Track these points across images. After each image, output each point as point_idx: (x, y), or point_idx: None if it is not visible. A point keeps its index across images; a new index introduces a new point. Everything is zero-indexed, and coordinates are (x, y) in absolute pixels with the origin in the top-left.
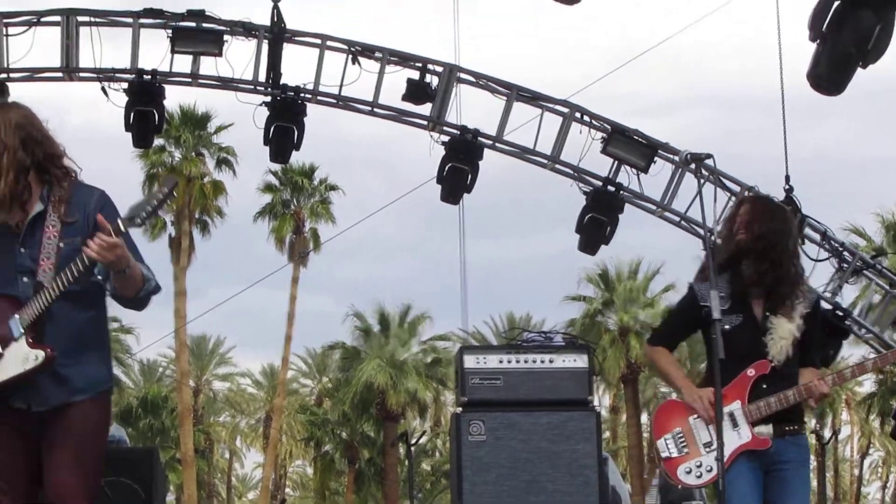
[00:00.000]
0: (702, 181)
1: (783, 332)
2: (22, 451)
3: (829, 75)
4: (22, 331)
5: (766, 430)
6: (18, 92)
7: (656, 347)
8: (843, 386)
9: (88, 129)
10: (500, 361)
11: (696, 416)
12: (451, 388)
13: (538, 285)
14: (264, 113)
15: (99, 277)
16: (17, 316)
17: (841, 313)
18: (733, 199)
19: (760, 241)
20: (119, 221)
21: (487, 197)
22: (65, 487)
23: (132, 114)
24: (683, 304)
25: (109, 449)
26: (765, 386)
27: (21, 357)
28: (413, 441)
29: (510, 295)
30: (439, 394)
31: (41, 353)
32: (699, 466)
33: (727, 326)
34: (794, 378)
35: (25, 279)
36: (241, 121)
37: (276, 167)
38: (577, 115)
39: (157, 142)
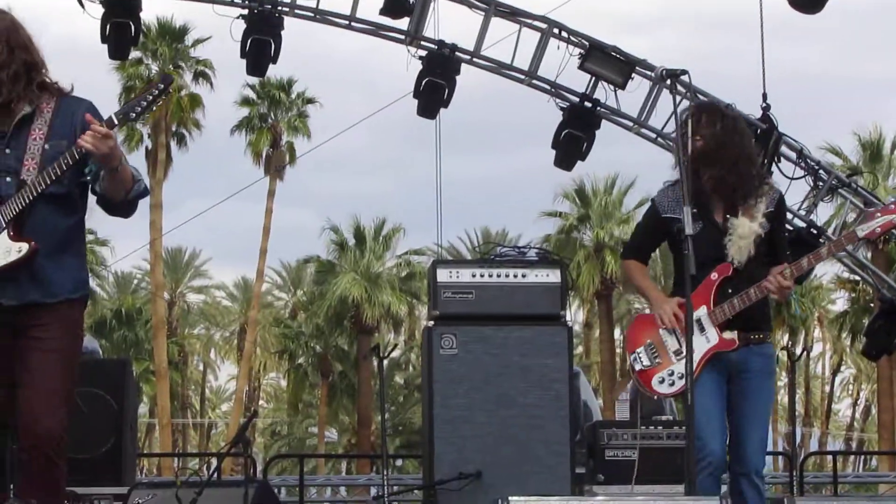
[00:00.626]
0: (677, 98)
1: (743, 232)
2: None
3: None
4: (3, 224)
5: (731, 335)
6: None
7: (629, 260)
8: (816, 302)
9: (67, 40)
10: (473, 275)
11: (665, 328)
12: (425, 302)
13: (514, 201)
14: (241, 26)
15: (88, 178)
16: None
17: (815, 231)
18: None
19: (710, 143)
20: (113, 116)
21: (464, 112)
22: (44, 393)
23: (108, 25)
24: (647, 217)
25: (82, 360)
26: (730, 290)
27: (2, 249)
28: (385, 354)
29: (486, 211)
30: (413, 308)
31: (24, 246)
32: (671, 375)
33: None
34: (760, 279)
35: (8, 179)
36: (219, 34)
37: (254, 81)
38: (556, 30)
39: (135, 54)
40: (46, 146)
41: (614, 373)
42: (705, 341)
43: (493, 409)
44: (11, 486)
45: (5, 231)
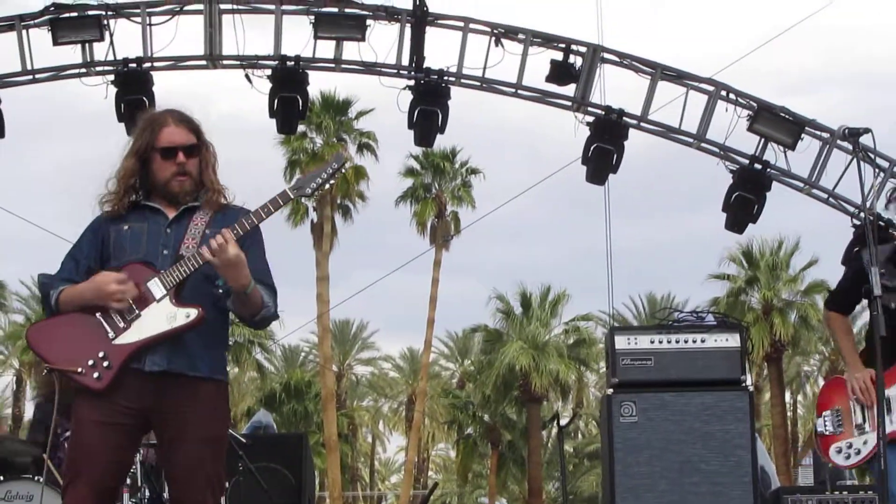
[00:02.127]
0: (859, 158)
1: None
2: (112, 435)
3: None
4: (165, 292)
5: None
6: (163, 81)
7: (831, 312)
8: None
9: (234, 117)
10: (652, 342)
11: (856, 396)
12: (593, 368)
13: (679, 266)
14: (408, 97)
15: (220, 291)
16: (156, 279)
17: None
18: (882, 175)
19: None
20: (287, 190)
21: (627, 176)
22: (185, 488)
23: (276, 100)
24: (852, 271)
25: (259, 435)
26: None
27: (167, 315)
28: (565, 424)
29: (650, 276)
30: (581, 375)
31: (193, 312)
32: (849, 447)
33: (892, 305)
34: None
35: (165, 252)
36: (382, 105)
37: (418, 151)
38: (723, 92)
39: (299, 128)
40: (207, 231)
41: (786, 437)
42: (889, 423)
43: (675, 477)
44: None
45: (167, 297)
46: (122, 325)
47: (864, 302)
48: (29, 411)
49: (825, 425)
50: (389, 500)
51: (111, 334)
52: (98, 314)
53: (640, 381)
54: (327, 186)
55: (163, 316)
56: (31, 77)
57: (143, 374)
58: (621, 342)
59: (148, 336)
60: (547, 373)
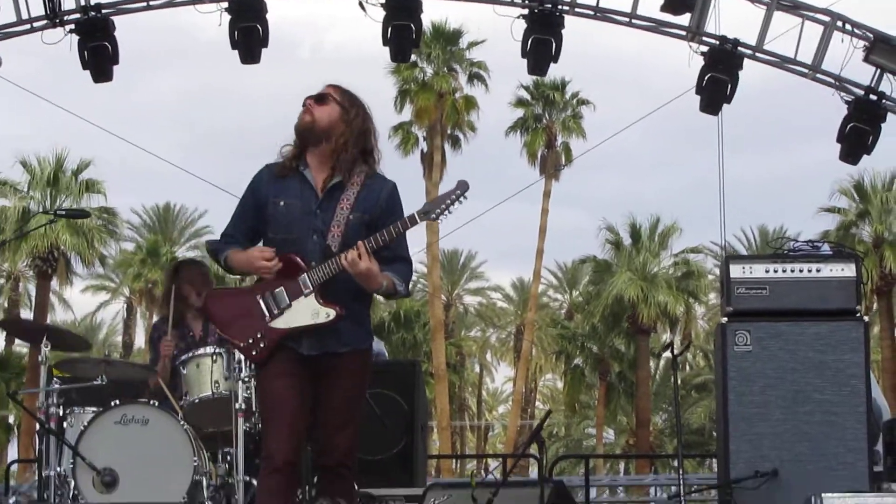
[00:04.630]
0: None
1: None
2: (295, 385)
3: None
4: (311, 288)
5: None
6: (280, 9)
7: None
8: None
9: (349, 46)
10: (767, 271)
11: None
12: (702, 301)
13: (791, 199)
14: (521, 26)
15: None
16: (306, 275)
17: None
18: None
19: None
20: (415, 214)
21: (743, 108)
22: (339, 423)
23: (390, 28)
24: None
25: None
26: None
27: (311, 311)
28: (678, 352)
29: (762, 209)
30: (690, 307)
31: (332, 312)
32: None
33: None
34: None
35: (315, 237)
36: (493, 35)
37: (528, 82)
38: (839, 23)
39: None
40: (351, 216)
41: (895, 370)
42: None
43: (789, 406)
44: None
45: (313, 294)
46: (276, 311)
47: None
48: (140, 339)
49: None
50: (497, 430)
51: (267, 317)
52: (258, 296)
53: (754, 309)
54: (451, 211)
55: (308, 311)
56: (145, 4)
57: (299, 354)
58: (736, 271)
59: (294, 326)
60: (655, 304)
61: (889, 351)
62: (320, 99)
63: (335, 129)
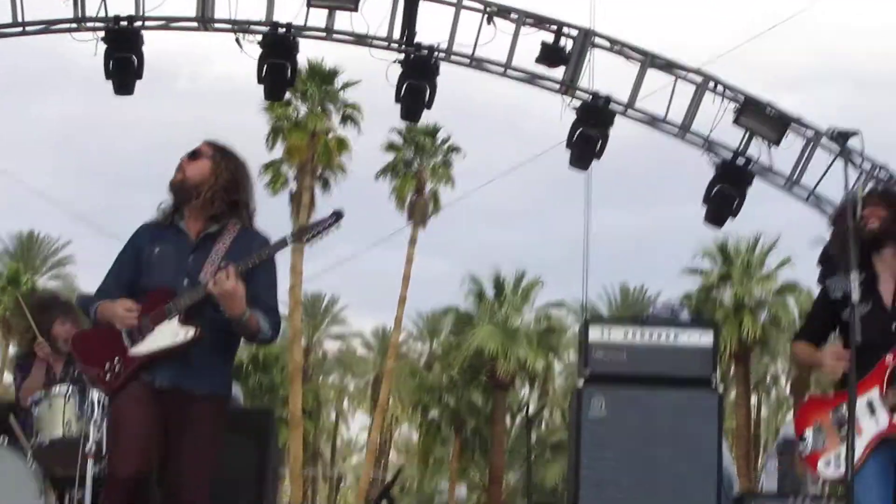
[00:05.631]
0: (847, 160)
1: None
2: (146, 412)
3: None
4: (176, 312)
5: None
6: (161, 40)
7: (797, 343)
8: None
9: (227, 80)
10: (626, 335)
11: (834, 408)
12: (562, 357)
13: (655, 257)
14: (397, 71)
15: (224, 315)
16: (171, 301)
17: None
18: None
19: (884, 226)
20: (287, 237)
21: (611, 164)
22: (185, 480)
23: (265, 66)
24: (817, 304)
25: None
26: None
27: (172, 332)
28: (532, 415)
29: (625, 266)
30: (550, 363)
31: (192, 330)
32: (838, 457)
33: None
34: None
35: (186, 280)
36: (369, 78)
37: (400, 126)
38: (711, 84)
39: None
40: (223, 263)
41: (749, 437)
42: (874, 424)
43: (641, 475)
44: None
45: (176, 317)
46: (138, 338)
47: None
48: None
49: (808, 445)
50: (349, 481)
51: (128, 345)
52: (122, 329)
53: (612, 374)
54: (323, 238)
55: (169, 332)
56: (21, 29)
57: (152, 388)
58: (595, 334)
59: (154, 349)
60: (515, 359)
61: (744, 419)
62: (193, 155)
63: (205, 183)
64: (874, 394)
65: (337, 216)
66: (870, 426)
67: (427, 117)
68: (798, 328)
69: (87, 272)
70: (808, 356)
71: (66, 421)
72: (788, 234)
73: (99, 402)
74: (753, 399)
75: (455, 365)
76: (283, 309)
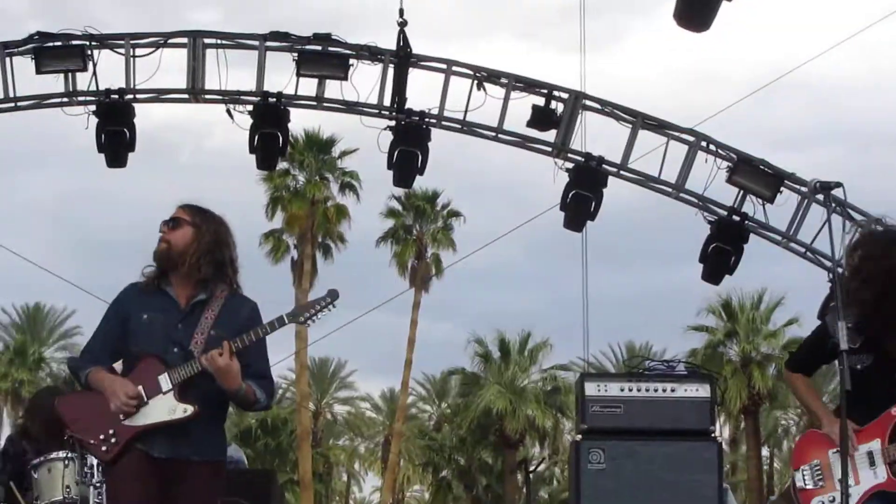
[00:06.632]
0: (830, 211)
1: None
2: (145, 490)
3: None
4: (171, 387)
5: None
6: (161, 114)
7: (793, 373)
8: None
9: (224, 150)
10: (622, 389)
11: (835, 449)
12: (570, 416)
13: (659, 315)
14: (389, 137)
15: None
16: (166, 374)
17: None
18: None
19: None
20: (284, 316)
21: (609, 225)
22: None
23: (257, 136)
24: (815, 335)
25: (229, 470)
26: None
27: (168, 408)
28: (532, 468)
29: (630, 325)
30: (558, 422)
31: (190, 408)
32: (832, 501)
33: (858, 366)
34: None
35: (175, 350)
36: (366, 145)
37: (400, 192)
38: (703, 143)
39: (282, 165)
40: (212, 332)
41: (762, 490)
42: (873, 476)
43: None
44: None
45: (172, 392)
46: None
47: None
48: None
49: (804, 480)
50: None
51: (122, 415)
52: None
53: (608, 427)
54: (320, 317)
55: (165, 408)
56: (13, 105)
57: (149, 458)
58: (591, 389)
59: (149, 423)
60: (524, 417)
61: (755, 471)
62: (173, 223)
63: (189, 249)
64: (875, 445)
65: (332, 296)
66: (868, 477)
67: (426, 182)
68: (791, 354)
69: None
70: (808, 400)
71: (65, 486)
72: (796, 290)
73: (98, 465)
74: (766, 453)
75: (464, 425)
76: (290, 374)
